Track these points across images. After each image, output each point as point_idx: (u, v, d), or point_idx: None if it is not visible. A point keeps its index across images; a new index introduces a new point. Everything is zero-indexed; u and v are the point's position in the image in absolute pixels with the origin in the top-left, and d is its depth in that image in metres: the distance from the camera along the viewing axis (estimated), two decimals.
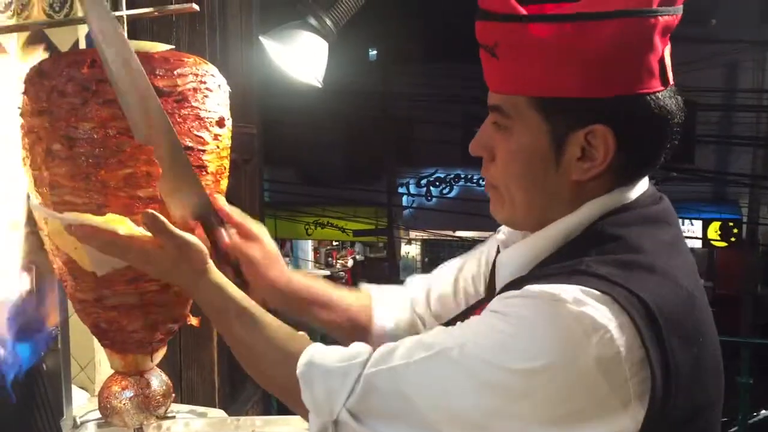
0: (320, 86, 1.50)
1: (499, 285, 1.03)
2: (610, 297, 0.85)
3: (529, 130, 0.95)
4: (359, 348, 1.00)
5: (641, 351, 0.84)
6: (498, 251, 1.16)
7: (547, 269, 0.94)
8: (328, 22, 1.49)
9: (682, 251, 0.99)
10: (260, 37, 1.48)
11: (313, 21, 1.49)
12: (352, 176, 14.31)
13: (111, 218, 1.14)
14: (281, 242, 15.47)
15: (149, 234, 1.11)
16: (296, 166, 13.95)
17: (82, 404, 2.08)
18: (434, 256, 18.49)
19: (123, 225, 1.13)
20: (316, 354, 1.00)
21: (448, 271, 1.36)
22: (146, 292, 1.26)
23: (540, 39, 0.90)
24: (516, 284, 0.94)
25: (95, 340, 2.27)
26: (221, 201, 1.25)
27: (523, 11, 0.92)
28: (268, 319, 1.08)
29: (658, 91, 0.93)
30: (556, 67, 0.91)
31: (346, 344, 1.15)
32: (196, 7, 1.37)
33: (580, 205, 0.97)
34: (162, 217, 1.11)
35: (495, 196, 1.04)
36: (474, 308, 1.20)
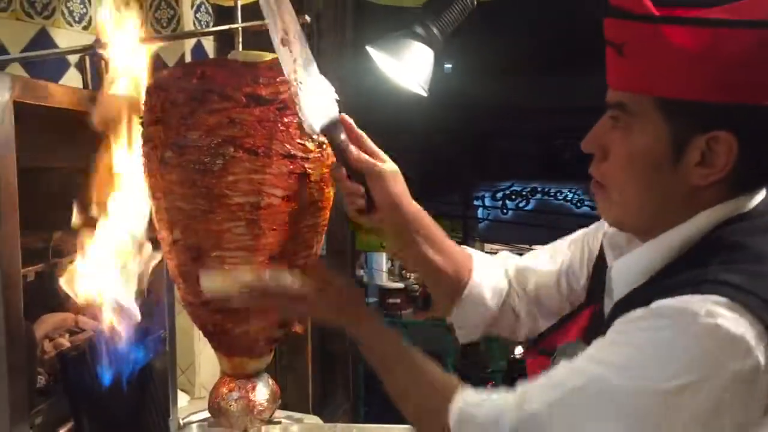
0: (426, 95, 1.51)
1: (616, 295, 1.01)
2: (743, 306, 0.82)
3: (650, 130, 0.94)
4: (506, 400, 0.98)
5: None
6: (601, 247, 1.16)
7: (670, 281, 0.92)
8: (435, 30, 1.50)
9: None
10: (367, 47, 1.50)
11: (419, 30, 1.50)
12: (427, 189, 14.29)
13: (276, 274, 1.19)
14: (357, 254, 15.56)
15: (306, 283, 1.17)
16: None
17: (182, 406, 2.15)
18: None
19: (288, 276, 1.18)
20: (466, 406, 1.00)
21: (546, 258, 1.33)
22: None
23: (673, 42, 0.89)
24: (636, 297, 0.92)
25: (196, 345, 2.36)
26: (347, 117, 1.26)
27: (656, 12, 0.90)
28: (424, 364, 1.11)
29: None
30: (686, 70, 0.89)
31: (438, 289, 1.28)
32: (307, 18, 1.40)
33: (694, 213, 0.95)
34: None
35: (603, 195, 1.02)
36: (580, 310, 1.19)
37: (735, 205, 0.95)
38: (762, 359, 0.81)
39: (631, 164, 0.96)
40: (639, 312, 0.87)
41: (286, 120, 1.23)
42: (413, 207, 1.27)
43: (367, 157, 1.22)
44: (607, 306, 1.06)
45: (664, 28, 0.89)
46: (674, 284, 0.89)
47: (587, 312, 1.15)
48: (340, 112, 1.30)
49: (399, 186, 1.25)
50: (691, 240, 0.95)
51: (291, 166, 1.23)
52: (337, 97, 1.33)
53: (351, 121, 1.24)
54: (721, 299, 0.83)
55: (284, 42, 1.20)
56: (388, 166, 1.24)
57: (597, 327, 1.02)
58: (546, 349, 1.14)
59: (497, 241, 15.75)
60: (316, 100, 1.20)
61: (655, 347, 0.84)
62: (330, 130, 1.20)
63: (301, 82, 1.19)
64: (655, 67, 0.91)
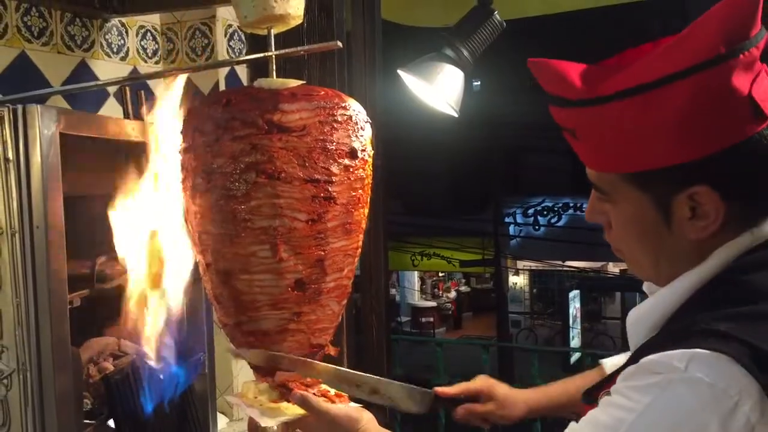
0: (457, 115, 1.53)
1: (631, 346, 0.99)
2: (728, 357, 0.77)
3: (630, 202, 0.93)
4: None
5: None
6: None
7: (668, 332, 0.90)
8: (465, 52, 1.52)
9: None
10: (399, 71, 1.52)
11: (449, 52, 1.53)
12: (458, 206, 14.28)
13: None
14: (389, 273, 15.55)
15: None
16: (403, 196, 14.07)
17: (222, 428, 2.17)
18: (542, 286, 18.10)
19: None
20: None
21: None
22: (281, 319, 1.31)
23: (613, 117, 0.88)
24: (644, 350, 0.88)
25: (234, 366, 2.38)
26: (440, 389, 1.42)
27: (590, 95, 0.90)
28: None
29: (755, 133, 0.85)
30: (637, 142, 0.88)
31: None
32: (339, 44, 1.43)
33: (708, 254, 0.91)
34: (310, 396, 1.27)
35: (625, 260, 1.02)
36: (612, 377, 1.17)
37: (749, 238, 0.90)
38: (752, 416, 0.76)
39: (630, 232, 0.97)
40: (630, 369, 0.86)
41: (308, 145, 1.25)
42: (541, 404, 1.47)
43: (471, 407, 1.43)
44: None
45: (600, 108, 0.89)
46: (667, 336, 0.87)
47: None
48: (372, 133, 1.33)
49: (515, 410, 1.45)
50: (704, 281, 0.91)
51: (314, 190, 1.26)
52: (369, 120, 1.36)
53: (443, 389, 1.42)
54: (704, 352, 0.78)
55: None
56: (492, 404, 1.44)
57: None
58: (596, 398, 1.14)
59: (530, 258, 15.69)
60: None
61: (643, 409, 0.81)
62: (434, 408, 1.38)
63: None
64: (607, 146, 0.91)
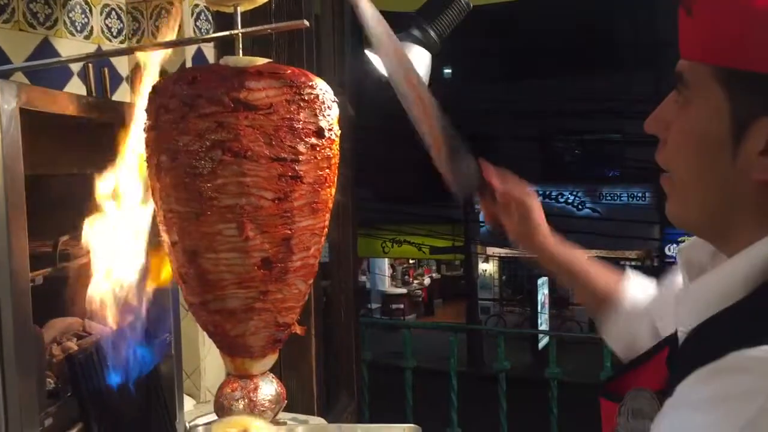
0: None
1: (685, 325, 0.83)
2: None
3: (708, 106, 0.80)
4: None
5: None
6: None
7: (747, 322, 0.74)
8: (432, 33, 1.52)
9: None
10: (366, 51, 1.52)
11: (417, 33, 1.52)
12: (428, 193, 14.33)
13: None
14: (359, 260, 15.63)
15: None
16: (373, 183, 14.08)
17: (188, 410, 2.16)
18: (512, 273, 18.27)
19: None
20: None
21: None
22: (247, 298, 1.31)
23: (736, 6, 0.76)
24: (711, 335, 0.76)
25: (201, 349, 2.37)
26: (490, 170, 1.36)
27: None
28: None
29: None
30: (755, 36, 0.74)
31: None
32: (306, 23, 1.42)
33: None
34: None
35: (667, 186, 0.88)
36: (657, 351, 0.99)
37: None
38: None
39: (687, 144, 0.83)
40: (704, 371, 0.69)
41: (274, 124, 1.25)
42: (557, 256, 1.35)
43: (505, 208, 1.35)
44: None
45: None
46: (749, 327, 0.72)
47: (663, 354, 0.96)
48: (341, 114, 1.34)
49: (538, 236, 1.35)
50: None
51: (281, 169, 1.26)
52: (336, 99, 1.36)
53: (492, 171, 1.36)
54: None
55: (422, 111, 1.32)
56: (524, 216, 1.35)
57: (670, 374, 0.87)
58: (615, 394, 0.96)
59: (499, 245, 15.79)
60: (461, 167, 1.34)
61: (754, 415, 0.65)
62: (477, 187, 1.36)
63: (450, 147, 1.33)
64: (720, 31, 0.78)
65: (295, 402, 2.34)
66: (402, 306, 17.50)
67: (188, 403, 2.23)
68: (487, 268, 18.04)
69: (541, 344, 12.43)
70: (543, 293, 14.85)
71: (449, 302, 18.64)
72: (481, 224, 15.10)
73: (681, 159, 0.84)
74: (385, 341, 8.20)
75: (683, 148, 0.83)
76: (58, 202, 1.52)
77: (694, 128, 0.82)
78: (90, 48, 2.15)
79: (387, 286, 18.68)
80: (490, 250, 16.58)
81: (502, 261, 17.85)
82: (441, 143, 1.31)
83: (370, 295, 18.10)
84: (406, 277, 19.17)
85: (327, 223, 1.39)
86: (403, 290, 18.38)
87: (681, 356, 0.81)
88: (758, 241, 0.77)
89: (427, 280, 19.39)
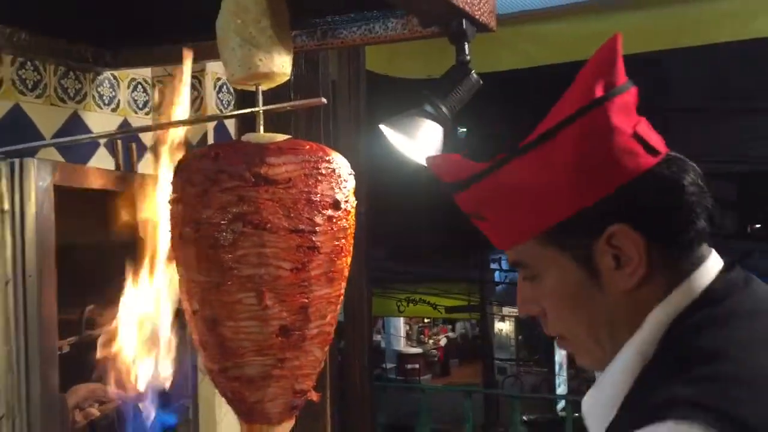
0: None
1: None
2: (701, 425, 0.71)
3: (554, 267, 0.90)
4: None
5: None
6: None
7: (622, 417, 0.83)
8: (444, 109, 1.59)
9: None
10: (380, 126, 1.59)
11: (429, 108, 1.59)
12: (443, 253, 14.32)
13: None
14: (374, 319, 15.54)
15: None
16: (388, 243, 14.13)
17: None
18: (529, 333, 18.08)
19: None
20: None
21: None
22: (265, 365, 1.35)
23: (511, 181, 0.89)
24: None
25: (217, 413, 2.39)
26: None
27: (477, 169, 0.92)
28: None
29: (650, 166, 0.86)
30: (540, 197, 0.88)
31: None
32: (324, 100, 1.49)
33: (643, 318, 0.87)
34: None
35: (570, 347, 0.96)
36: None
37: (682, 296, 0.87)
38: None
39: (562, 305, 0.92)
40: None
41: (293, 197, 1.31)
42: None
43: None
44: None
45: (491, 178, 0.90)
46: (627, 417, 0.81)
47: None
48: (355, 184, 1.37)
49: None
50: (647, 351, 0.86)
51: (299, 240, 1.31)
52: (352, 172, 1.42)
53: None
54: (675, 424, 0.72)
55: None
56: None
57: None
58: None
59: (515, 304, 15.66)
60: None
61: None
62: None
63: None
64: (513, 213, 0.91)
65: None
66: (417, 366, 17.29)
67: None
68: (503, 327, 17.86)
69: (560, 405, 12.22)
70: (561, 353, 14.65)
71: (465, 362, 18.41)
72: (497, 283, 15.05)
73: (564, 320, 0.93)
74: (400, 402, 8.11)
75: (560, 309, 0.92)
76: (85, 271, 1.58)
77: (557, 290, 0.91)
78: (117, 120, 2.24)
79: (402, 345, 18.51)
80: (506, 310, 16.45)
81: (519, 320, 17.67)
82: None
83: (385, 354, 17.93)
84: (422, 336, 19.00)
85: (342, 291, 1.44)
86: (419, 350, 18.21)
87: None
88: (627, 341, 0.87)
89: (443, 340, 19.20)
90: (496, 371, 15.35)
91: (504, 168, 0.89)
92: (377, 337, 17.71)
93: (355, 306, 3.08)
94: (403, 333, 18.75)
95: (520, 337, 18.13)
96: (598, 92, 0.86)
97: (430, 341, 19.10)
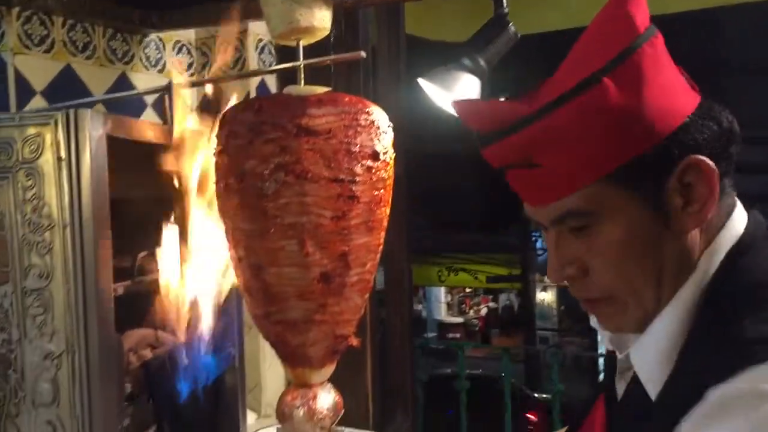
0: None
1: (645, 381, 0.85)
2: None
3: (618, 210, 0.83)
4: None
5: None
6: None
7: (708, 357, 0.77)
8: (481, 61, 1.61)
9: None
10: (419, 79, 1.61)
11: (466, 62, 1.61)
12: (486, 222, 14.26)
13: None
14: (415, 289, 15.62)
15: None
16: (429, 212, 14.12)
17: (250, 423, 2.25)
18: (571, 302, 17.96)
19: None
20: None
21: None
22: (307, 310, 1.40)
23: (575, 118, 0.80)
24: (681, 385, 0.78)
25: (262, 365, 2.47)
26: None
27: (527, 110, 0.83)
28: None
29: (702, 100, 0.84)
30: (610, 132, 0.80)
31: None
32: (363, 53, 1.52)
33: (694, 265, 0.83)
34: None
35: (608, 308, 0.88)
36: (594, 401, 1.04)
37: (729, 232, 0.84)
38: None
39: (626, 254, 0.83)
40: (699, 412, 0.71)
41: (333, 147, 1.35)
42: None
43: None
44: (620, 390, 0.96)
45: (554, 115, 0.81)
46: (717, 360, 0.74)
47: (600, 404, 1.02)
48: (396, 142, 1.40)
49: None
50: (700, 298, 0.82)
51: (339, 189, 1.35)
52: (391, 124, 1.45)
53: None
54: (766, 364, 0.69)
55: None
56: None
57: (618, 420, 0.93)
58: None
59: None
60: None
61: None
62: None
63: None
64: (578, 153, 0.81)
65: (350, 416, 2.41)
66: (458, 335, 17.39)
67: (250, 416, 2.32)
68: (545, 297, 17.79)
69: (602, 376, 12.16)
70: None
71: (507, 332, 18.42)
72: (539, 252, 14.96)
73: (626, 272, 0.84)
74: (440, 368, 8.22)
75: (624, 261, 0.84)
76: (136, 221, 1.65)
77: (626, 235, 0.83)
78: (163, 81, 2.31)
79: (443, 314, 18.60)
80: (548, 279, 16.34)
81: (562, 290, 17.56)
82: None
83: (426, 323, 18.04)
84: (463, 306, 19.06)
85: (382, 240, 1.47)
86: (460, 319, 18.29)
87: (660, 409, 0.81)
88: (680, 288, 0.83)
89: (484, 310, 19.23)
90: (538, 341, 15.32)
91: (567, 104, 0.80)
92: (418, 306, 17.82)
93: (396, 275, 3.12)
94: (444, 302, 18.82)
95: (562, 307, 18.05)
96: (647, 23, 0.82)
97: (471, 311, 19.14)
